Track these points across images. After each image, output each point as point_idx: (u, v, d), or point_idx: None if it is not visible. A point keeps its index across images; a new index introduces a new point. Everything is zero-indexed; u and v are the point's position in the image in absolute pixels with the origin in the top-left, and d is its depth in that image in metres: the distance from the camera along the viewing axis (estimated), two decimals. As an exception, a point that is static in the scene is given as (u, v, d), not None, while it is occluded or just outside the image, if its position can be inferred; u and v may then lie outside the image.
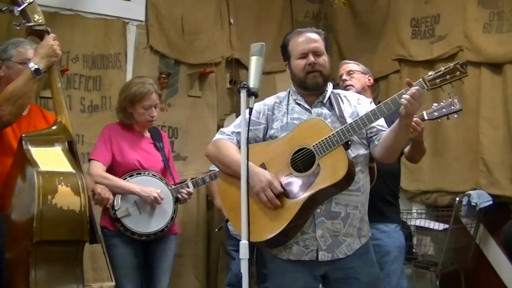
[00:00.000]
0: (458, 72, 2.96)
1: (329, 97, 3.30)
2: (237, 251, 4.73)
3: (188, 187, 4.42)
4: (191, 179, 4.56)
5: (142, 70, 5.51)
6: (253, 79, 2.73)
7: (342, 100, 3.30)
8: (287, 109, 3.31)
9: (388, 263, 4.06)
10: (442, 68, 2.98)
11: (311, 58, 3.22)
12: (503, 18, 5.48)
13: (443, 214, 5.72)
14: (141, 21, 5.67)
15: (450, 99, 3.71)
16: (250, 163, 3.09)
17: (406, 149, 4.08)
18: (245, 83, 2.70)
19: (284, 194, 3.09)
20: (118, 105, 4.38)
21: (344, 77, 4.41)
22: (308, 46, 3.24)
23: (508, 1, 5.46)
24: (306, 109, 3.28)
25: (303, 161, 3.12)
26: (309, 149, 3.10)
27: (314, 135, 3.10)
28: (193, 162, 5.85)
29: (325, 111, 3.26)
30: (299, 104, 3.30)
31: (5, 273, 3.34)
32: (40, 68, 3.39)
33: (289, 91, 3.39)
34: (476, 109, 5.54)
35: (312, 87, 3.26)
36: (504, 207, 5.47)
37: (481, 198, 5.44)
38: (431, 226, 5.63)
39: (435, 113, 3.78)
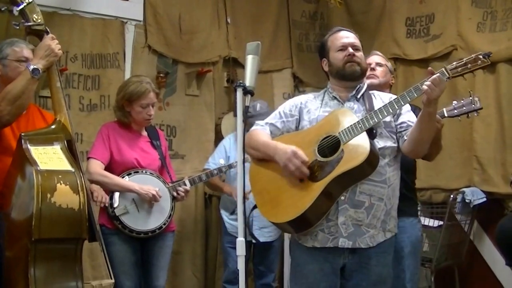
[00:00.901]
0: (479, 61, 2.99)
1: (363, 94, 3.38)
2: (234, 248, 4.78)
3: (186, 185, 4.47)
4: (189, 177, 4.61)
5: (140, 69, 5.56)
6: (249, 78, 2.79)
7: (375, 97, 3.39)
8: (321, 103, 3.41)
9: (403, 259, 4.06)
10: (464, 59, 3.02)
11: (350, 49, 3.35)
12: (496, 17, 5.52)
13: (437, 211, 5.76)
14: (139, 20, 5.71)
15: (470, 97, 3.71)
16: (273, 142, 3.30)
17: None
18: (241, 81, 2.76)
19: (309, 177, 3.17)
20: (116, 104, 4.40)
21: (373, 66, 4.29)
22: (348, 40, 3.40)
23: (501, 1, 5.51)
24: (339, 103, 3.37)
25: (329, 148, 3.19)
26: (335, 136, 3.17)
27: (341, 123, 3.19)
28: (191, 161, 5.90)
29: (357, 105, 3.34)
30: (334, 98, 3.39)
31: (4, 271, 3.37)
32: (39, 69, 3.45)
33: (326, 89, 3.48)
34: (470, 107, 5.59)
35: (350, 74, 3.35)
36: (497, 203, 5.51)
37: (474, 195, 5.48)
38: (426, 223, 5.64)
39: (455, 111, 3.78)
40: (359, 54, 3.38)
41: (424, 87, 2.97)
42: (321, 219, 3.16)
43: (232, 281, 5.17)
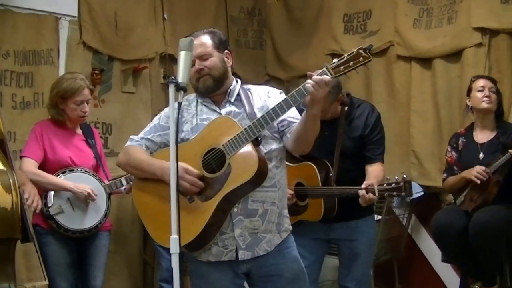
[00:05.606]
0: (361, 58, 2.88)
1: (238, 94, 3.27)
2: (164, 247, 4.62)
3: (122, 184, 4.41)
4: (125, 175, 4.55)
5: (75, 66, 5.44)
6: (181, 74, 2.74)
7: (252, 95, 3.27)
8: (196, 110, 3.26)
9: (358, 255, 4.16)
10: (345, 55, 2.91)
11: (196, 65, 3.19)
12: (432, 14, 5.59)
13: (376, 205, 5.79)
14: (74, 16, 5.59)
15: (401, 182, 3.66)
16: (158, 160, 3.15)
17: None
18: (173, 77, 2.70)
19: (198, 196, 3.07)
20: (49, 101, 4.34)
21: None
22: (195, 53, 3.15)
23: (437, -2, 5.60)
24: (214, 110, 3.23)
25: (215, 162, 3.07)
26: (219, 149, 3.06)
27: (223, 134, 3.06)
28: (128, 158, 5.82)
29: (233, 109, 3.22)
30: (206, 106, 3.25)
31: None
32: None
33: (196, 95, 3.33)
34: (407, 103, 5.66)
35: (204, 91, 3.22)
36: (434, 197, 5.59)
37: (412, 189, 5.55)
38: (365, 218, 5.71)
39: (385, 193, 3.72)
40: (208, 62, 3.20)
41: (309, 88, 2.86)
42: (216, 234, 3.07)
43: (167, 279, 5.07)
